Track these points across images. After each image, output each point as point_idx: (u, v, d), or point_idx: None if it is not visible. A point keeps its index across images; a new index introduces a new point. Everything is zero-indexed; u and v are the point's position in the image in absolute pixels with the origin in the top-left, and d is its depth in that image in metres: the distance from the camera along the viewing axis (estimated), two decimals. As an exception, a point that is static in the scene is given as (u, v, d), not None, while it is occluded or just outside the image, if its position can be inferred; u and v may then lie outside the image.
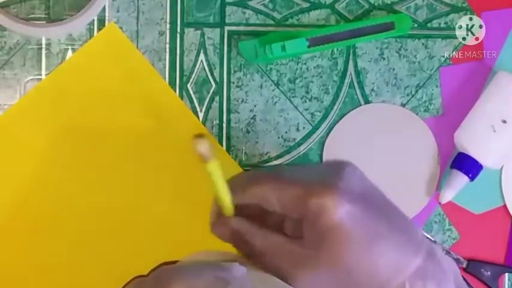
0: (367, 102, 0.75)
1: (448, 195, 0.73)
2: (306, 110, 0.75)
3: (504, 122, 0.72)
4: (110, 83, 0.72)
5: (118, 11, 0.73)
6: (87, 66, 0.72)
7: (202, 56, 0.74)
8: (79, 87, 0.72)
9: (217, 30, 0.74)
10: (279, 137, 0.75)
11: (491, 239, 0.76)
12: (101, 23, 0.73)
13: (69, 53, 0.72)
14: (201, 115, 0.73)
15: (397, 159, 0.75)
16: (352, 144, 0.75)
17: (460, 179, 0.73)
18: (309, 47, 0.72)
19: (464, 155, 0.73)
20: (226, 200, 0.54)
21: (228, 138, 0.74)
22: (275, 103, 0.74)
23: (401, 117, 0.75)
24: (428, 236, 0.75)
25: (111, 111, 0.72)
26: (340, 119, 0.75)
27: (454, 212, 0.76)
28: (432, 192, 0.75)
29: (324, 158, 0.75)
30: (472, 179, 0.73)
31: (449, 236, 0.76)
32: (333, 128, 0.75)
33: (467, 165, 0.73)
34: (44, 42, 0.72)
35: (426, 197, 0.75)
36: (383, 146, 0.75)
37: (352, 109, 0.75)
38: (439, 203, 0.75)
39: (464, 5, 0.76)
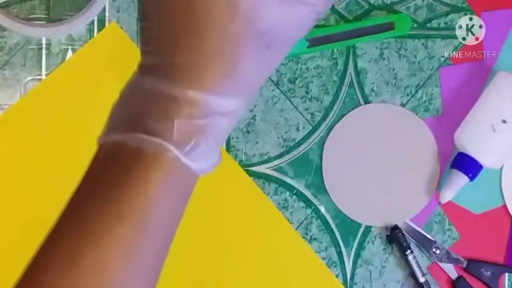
0: (367, 102, 0.75)
1: (447, 195, 0.73)
2: (306, 110, 0.75)
3: (504, 122, 0.72)
4: (111, 82, 0.72)
5: (118, 11, 0.73)
6: (88, 65, 0.72)
7: (202, 56, 0.74)
8: (80, 86, 0.72)
9: (217, 30, 0.74)
10: (278, 137, 0.75)
11: (491, 239, 0.76)
12: (101, 23, 0.73)
13: (69, 53, 0.72)
14: (201, 115, 0.73)
15: (397, 159, 0.75)
16: (352, 144, 0.75)
17: (460, 179, 0.73)
18: (308, 47, 0.72)
19: (464, 155, 0.73)
20: None
21: (228, 138, 0.74)
22: (275, 103, 0.74)
23: (402, 117, 0.75)
24: (428, 236, 0.75)
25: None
26: (340, 119, 0.75)
27: (454, 212, 0.76)
28: (432, 192, 0.75)
29: (324, 158, 0.75)
30: (471, 179, 0.73)
31: (449, 236, 0.76)
32: (333, 128, 0.75)
33: (467, 165, 0.73)
34: (44, 42, 0.72)
35: (426, 197, 0.75)
36: (383, 146, 0.75)
37: (352, 109, 0.75)
38: (439, 203, 0.75)
39: (464, 5, 0.76)
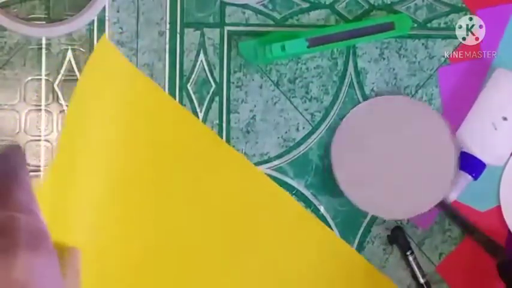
0: (367, 102, 0.75)
1: (452, 195, 0.73)
2: (306, 110, 0.75)
3: (505, 119, 0.72)
4: (110, 102, 0.72)
5: (118, 11, 0.73)
6: (87, 88, 0.72)
7: (202, 56, 0.74)
8: (84, 108, 0.71)
9: (217, 30, 0.74)
10: (278, 137, 0.75)
11: (496, 236, 0.75)
12: (101, 23, 0.72)
13: (69, 53, 0.72)
14: (200, 115, 0.73)
15: (411, 153, 0.73)
16: (359, 140, 0.73)
17: (464, 179, 0.73)
18: (308, 47, 0.72)
19: (468, 154, 0.73)
20: None
21: (228, 138, 0.74)
22: (275, 103, 0.74)
23: (415, 109, 0.74)
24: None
25: (114, 127, 0.72)
26: (341, 119, 0.75)
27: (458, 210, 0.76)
28: (447, 187, 0.73)
29: (333, 151, 0.74)
30: (475, 178, 0.73)
31: (449, 236, 0.76)
32: (333, 127, 0.75)
33: (470, 165, 0.73)
34: (44, 42, 0.72)
35: (441, 192, 0.73)
36: (398, 138, 0.73)
37: (353, 107, 0.75)
38: (444, 202, 0.75)
39: (464, 5, 0.76)
